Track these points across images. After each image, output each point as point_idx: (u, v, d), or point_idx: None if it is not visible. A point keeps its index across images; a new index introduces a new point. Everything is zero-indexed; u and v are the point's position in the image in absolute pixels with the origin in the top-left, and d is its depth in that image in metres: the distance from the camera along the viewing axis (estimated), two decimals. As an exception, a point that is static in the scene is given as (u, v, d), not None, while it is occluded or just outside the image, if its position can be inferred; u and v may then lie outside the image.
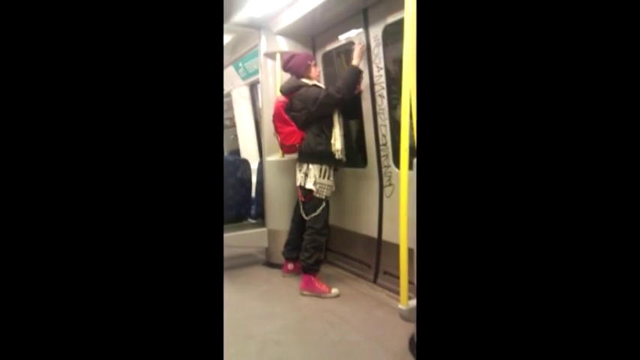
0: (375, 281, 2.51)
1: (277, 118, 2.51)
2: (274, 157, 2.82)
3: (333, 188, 2.46)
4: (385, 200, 2.44)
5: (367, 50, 2.38)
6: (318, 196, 2.40)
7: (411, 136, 1.48)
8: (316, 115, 2.37)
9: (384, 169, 2.42)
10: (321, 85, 2.48)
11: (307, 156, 2.43)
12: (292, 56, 2.47)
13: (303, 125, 2.43)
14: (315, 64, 2.53)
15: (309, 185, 2.41)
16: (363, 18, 2.36)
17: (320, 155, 2.39)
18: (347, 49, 2.63)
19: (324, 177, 2.41)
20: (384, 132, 2.38)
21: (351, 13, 2.41)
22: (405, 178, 1.44)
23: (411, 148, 1.50)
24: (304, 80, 2.44)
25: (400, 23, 2.09)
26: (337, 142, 2.38)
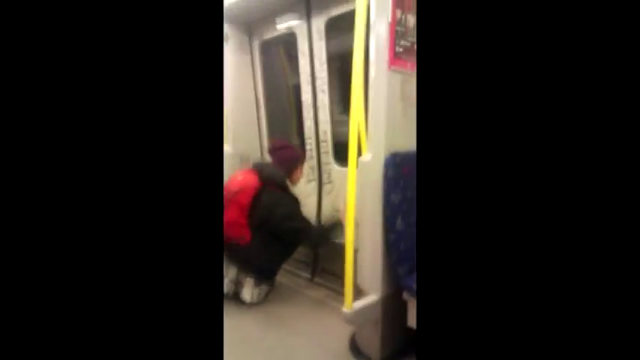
0: (312, 279, 2.46)
1: (234, 196, 2.06)
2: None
3: None
4: (324, 197, 2.40)
5: (309, 42, 2.30)
6: None
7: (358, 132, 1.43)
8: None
9: (323, 167, 2.37)
10: (297, 197, 2.24)
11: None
12: (285, 147, 2.24)
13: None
14: (300, 168, 2.26)
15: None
16: (305, 7, 2.26)
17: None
18: (287, 40, 2.51)
19: None
20: (324, 128, 2.32)
21: (291, 1, 2.29)
22: (353, 176, 1.39)
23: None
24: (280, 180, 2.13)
25: (345, 17, 2.06)
26: None
